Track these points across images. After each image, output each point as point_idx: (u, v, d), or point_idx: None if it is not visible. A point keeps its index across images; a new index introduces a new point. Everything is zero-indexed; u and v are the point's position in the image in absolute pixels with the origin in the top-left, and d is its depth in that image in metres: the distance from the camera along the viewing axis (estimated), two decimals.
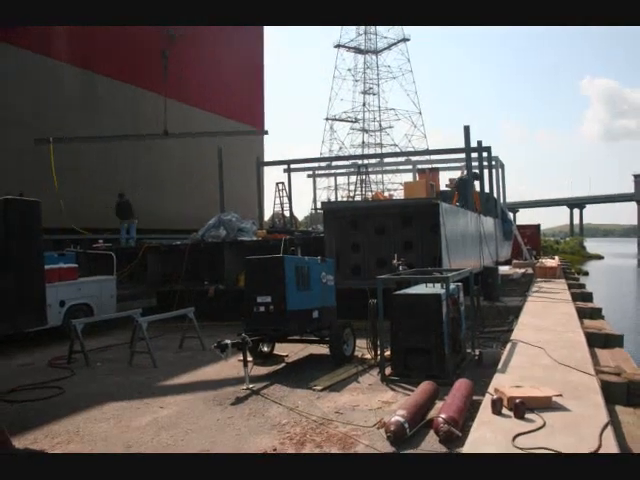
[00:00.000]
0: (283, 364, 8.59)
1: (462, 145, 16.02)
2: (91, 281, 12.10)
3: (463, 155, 17.73)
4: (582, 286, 16.98)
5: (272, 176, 26.66)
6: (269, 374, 7.97)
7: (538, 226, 31.27)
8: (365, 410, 6.07)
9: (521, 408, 4.65)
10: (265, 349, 8.82)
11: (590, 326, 9.59)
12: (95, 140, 19.10)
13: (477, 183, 17.59)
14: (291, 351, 9.08)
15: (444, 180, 21.10)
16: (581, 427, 4.34)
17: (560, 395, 5.03)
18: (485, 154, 18.06)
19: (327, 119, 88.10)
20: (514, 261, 21.50)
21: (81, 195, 18.17)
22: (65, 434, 5.70)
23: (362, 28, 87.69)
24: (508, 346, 7.56)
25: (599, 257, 74.43)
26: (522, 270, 19.07)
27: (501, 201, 21.08)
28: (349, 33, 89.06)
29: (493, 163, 19.53)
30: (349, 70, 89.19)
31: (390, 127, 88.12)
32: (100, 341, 10.78)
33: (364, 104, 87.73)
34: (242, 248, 13.24)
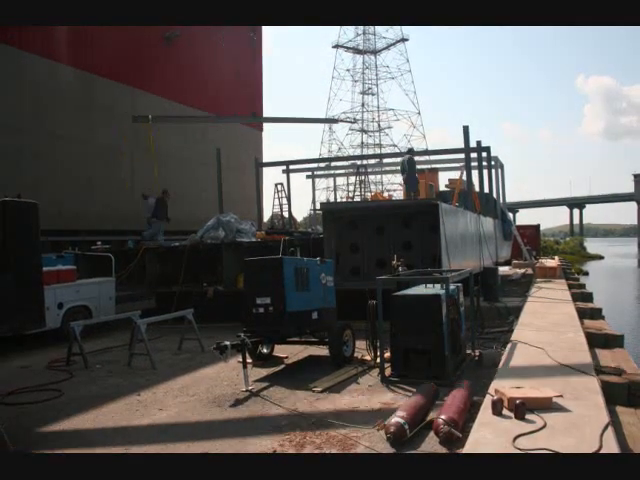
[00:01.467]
0: (282, 365, 8.57)
1: (461, 145, 16.00)
2: (90, 283, 12.07)
3: (462, 155, 17.73)
4: (582, 286, 16.96)
5: (271, 177, 26.70)
6: (268, 376, 7.94)
7: (538, 226, 31.28)
8: (365, 411, 6.04)
9: (521, 409, 4.63)
10: (264, 350, 8.79)
11: (590, 326, 9.57)
12: (189, 120, 19.21)
13: (476, 184, 17.60)
14: (291, 352, 9.05)
15: (443, 180, 21.15)
16: (582, 428, 4.32)
17: (560, 396, 5.01)
18: (484, 154, 18.06)
19: None
20: (514, 261, 21.51)
21: (80, 196, 18.15)
22: (63, 437, 5.67)
23: (361, 28, 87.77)
24: (508, 347, 7.54)
25: (599, 257, 74.49)
26: (522, 270, 19.08)
27: (501, 201, 21.07)
28: (348, 33, 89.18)
29: (492, 163, 19.53)
30: (348, 70, 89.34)
31: (389, 127, 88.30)
32: (99, 343, 10.75)
33: (363, 104, 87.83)
34: (241, 249, 13.21)
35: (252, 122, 19.41)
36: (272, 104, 76.43)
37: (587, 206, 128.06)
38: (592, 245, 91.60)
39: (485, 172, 18.58)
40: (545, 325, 8.93)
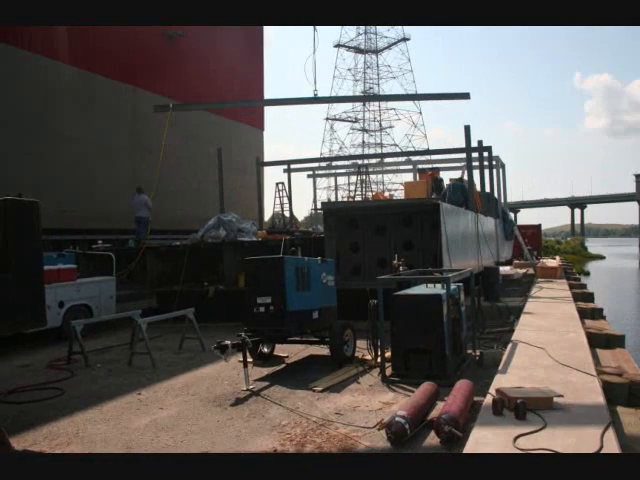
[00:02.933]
0: (283, 365, 8.57)
1: (463, 144, 15.99)
2: (90, 282, 12.08)
3: (464, 155, 17.72)
4: (583, 286, 16.94)
5: (272, 176, 26.74)
6: (269, 375, 7.95)
7: (539, 226, 31.23)
8: (365, 411, 6.04)
9: (522, 409, 4.62)
10: (265, 350, 8.80)
11: (591, 326, 9.56)
12: (219, 105, 19.29)
13: (478, 183, 17.58)
14: (291, 352, 9.06)
15: (445, 180, 21.10)
16: (582, 428, 4.31)
17: (561, 396, 5.01)
18: (486, 154, 18.04)
19: (327, 119, 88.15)
20: (515, 261, 21.50)
21: (80, 196, 18.16)
22: (64, 435, 5.69)
23: (362, 28, 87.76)
24: (509, 347, 7.54)
25: (600, 257, 74.50)
26: (523, 270, 19.05)
27: (502, 201, 21.06)
28: (349, 33, 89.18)
29: (494, 163, 19.51)
30: (349, 70, 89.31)
31: (390, 127, 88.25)
32: (100, 342, 10.77)
33: (364, 104, 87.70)
34: (242, 249, 13.22)
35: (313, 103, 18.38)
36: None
37: (588, 206, 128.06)
38: (593, 245, 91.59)
39: (486, 172, 18.56)
40: (546, 325, 8.92)
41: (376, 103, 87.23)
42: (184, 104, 18.95)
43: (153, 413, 6.31)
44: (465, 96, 15.21)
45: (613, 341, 8.76)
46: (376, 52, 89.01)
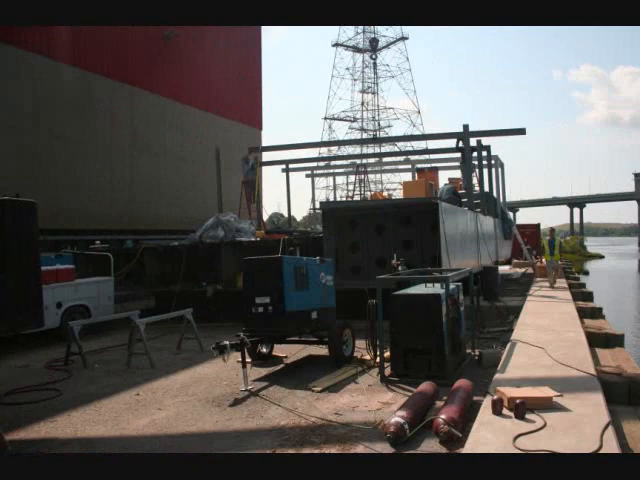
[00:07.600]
0: (282, 365, 8.55)
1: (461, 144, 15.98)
2: (88, 282, 12.05)
3: None
4: (582, 285, 16.95)
5: (271, 177, 26.66)
6: (268, 375, 7.93)
7: (538, 225, 31.21)
8: (365, 411, 6.03)
9: (522, 408, 4.61)
10: (264, 350, 8.78)
11: (591, 326, 9.56)
12: (303, 146, 20.41)
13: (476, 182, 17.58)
14: (290, 352, 9.04)
15: (443, 179, 21.14)
16: (582, 427, 4.30)
17: (561, 395, 5.00)
18: (485, 153, 18.05)
19: (325, 118, 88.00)
20: (514, 261, 21.51)
21: (78, 196, 18.13)
22: (62, 437, 5.66)
23: (360, 27, 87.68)
24: (508, 346, 7.53)
25: (600, 256, 74.55)
26: (522, 270, 19.07)
27: (501, 200, 21.06)
28: (347, 32, 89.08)
29: (492, 162, 19.51)
30: (347, 69, 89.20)
31: (389, 126, 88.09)
32: (98, 343, 10.73)
33: (363, 103, 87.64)
34: (240, 249, 13.20)
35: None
36: (271, 103, 76.52)
37: (587, 205, 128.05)
38: (592, 244, 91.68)
39: (485, 171, 18.57)
40: (545, 324, 8.91)
41: (374, 102, 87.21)
42: (273, 145, 20.62)
43: (152, 414, 6.28)
44: (520, 132, 16.42)
45: (612, 340, 8.76)
46: (374, 51, 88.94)
